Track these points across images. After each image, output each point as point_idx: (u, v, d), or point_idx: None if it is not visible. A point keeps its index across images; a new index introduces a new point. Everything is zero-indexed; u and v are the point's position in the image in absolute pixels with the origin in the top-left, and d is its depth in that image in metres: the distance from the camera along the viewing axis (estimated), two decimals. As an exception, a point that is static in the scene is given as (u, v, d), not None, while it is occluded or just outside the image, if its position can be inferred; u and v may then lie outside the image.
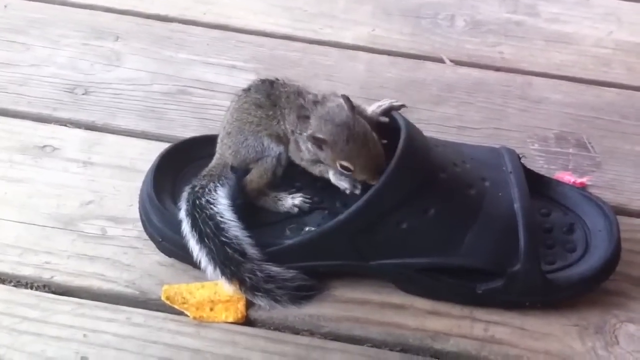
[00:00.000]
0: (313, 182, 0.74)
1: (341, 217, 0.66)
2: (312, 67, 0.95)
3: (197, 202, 0.68)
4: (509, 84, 0.95)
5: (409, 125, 0.67)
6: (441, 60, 0.98)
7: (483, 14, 1.06)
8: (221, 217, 0.68)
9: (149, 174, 0.72)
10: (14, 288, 0.69)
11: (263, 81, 0.72)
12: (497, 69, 0.97)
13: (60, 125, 0.85)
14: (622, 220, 0.76)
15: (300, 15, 1.03)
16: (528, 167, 0.76)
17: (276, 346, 0.66)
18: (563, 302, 0.70)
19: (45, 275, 0.70)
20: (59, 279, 0.70)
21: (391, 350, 0.67)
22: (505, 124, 0.89)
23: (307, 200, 0.72)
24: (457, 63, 0.97)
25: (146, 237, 0.72)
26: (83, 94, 0.89)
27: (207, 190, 0.69)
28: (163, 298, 0.67)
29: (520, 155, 0.75)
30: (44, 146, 0.82)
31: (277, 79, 0.72)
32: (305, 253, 0.67)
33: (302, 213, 0.71)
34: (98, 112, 0.87)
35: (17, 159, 0.80)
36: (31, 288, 0.69)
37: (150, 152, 0.77)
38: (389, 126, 0.69)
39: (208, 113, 0.87)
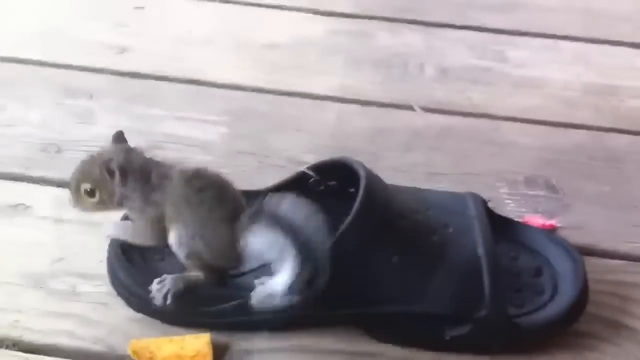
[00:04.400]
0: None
1: (304, 267, 0.66)
2: (282, 118, 0.96)
3: None
4: (477, 129, 0.96)
5: (369, 174, 0.68)
6: (411, 108, 0.99)
7: (452, 61, 1.08)
8: None
9: (117, 227, 0.73)
10: (-17, 348, 0.69)
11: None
12: (466, 115, 0.98)
13: (33, 183, 0.85)
14: (592, 261, 0.77)
15: (271, 68, 1.04)
16: (496, 211, 0.77)
17: (243, 402, 0.66)
18: (534, 345, 0.70)
19: (14, 334, 0.70)
20: (28, 337, 0.70)
21: (363, 401, 0.67)
22: (474, 168, 0.90)
23: None
24: (427, 110, 0.99)
25: (115, 292, 0.72)
26: (56, 152, 0.90)
27: None
28: (130, 352, 0.67)
29: (487, 200, 0.76)
30: (16, 205, 0.82)
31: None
32: (270, 305, 0.68)
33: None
34: (71, 170, 0.86)
35: (-11, 218, 0.81)
36: (0, 347, 0.69)
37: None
38: (349, 175, 0.69)
39: (180, 167, 0.88)
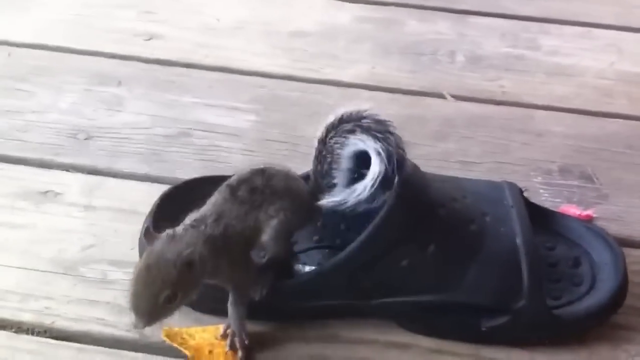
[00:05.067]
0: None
1: (340, 255, 0.66)
2: (312, 106, 0.95)
3: None
4: (510, 118, 0.94)
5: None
6: (442, 96, 0.98)
7: (483, 49, 1.06)
8: None
9: (149, 216, 0.72)
10: (15, 334, 0.68)
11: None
12: (498, 103, 0.97)
13: (62, 170, 0.85)
14: (631, 252, 0.75)
15: (300, 56, 1.04)
16: (531, 200, 0.75)
17: (278, 389, 0.65)
18: (571, 337, 0.69)
19: (46, 321, 0.69)
20: (60, 324, 0.69)
21: (396, 390, 0.66)
22: (507, 157, 0.88)
23: None
24: (458, 98, 0.97)
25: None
26: (85, 139, 0.89)
27: None
28: (163, 336, 0.66)
29: (523, 189, 0.75)
30: (46, 191, 0.82)
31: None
32: (305, 293, 0.67)
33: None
34: (100, 157, 0.87)
35: (19, 204, 0.80)
36: (32, 334, 0.69)
37: (152, 195, 0.77)
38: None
39: (209, 154, 0.88)
